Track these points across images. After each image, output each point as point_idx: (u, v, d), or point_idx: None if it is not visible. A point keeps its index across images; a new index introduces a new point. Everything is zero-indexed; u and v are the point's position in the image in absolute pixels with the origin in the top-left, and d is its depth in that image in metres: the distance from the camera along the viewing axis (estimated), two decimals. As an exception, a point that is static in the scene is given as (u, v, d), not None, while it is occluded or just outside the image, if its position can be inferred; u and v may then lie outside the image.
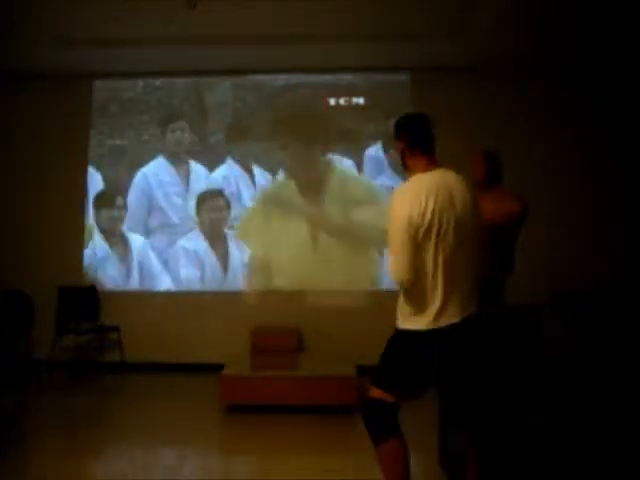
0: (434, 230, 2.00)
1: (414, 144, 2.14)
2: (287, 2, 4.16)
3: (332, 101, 5.56)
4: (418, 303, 2.10)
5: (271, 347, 4.99)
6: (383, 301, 5.25)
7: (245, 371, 4.25)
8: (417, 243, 2.01)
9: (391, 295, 5.90)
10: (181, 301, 5.41)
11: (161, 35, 4.72)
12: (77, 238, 5.51)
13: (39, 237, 5.44)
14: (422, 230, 1.99)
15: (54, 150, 5.53)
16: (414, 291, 2.09)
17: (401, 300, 2.20)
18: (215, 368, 4.33)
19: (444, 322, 2.05)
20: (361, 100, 5.55)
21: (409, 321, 2.14)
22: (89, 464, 3.12)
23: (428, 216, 1.99)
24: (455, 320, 2.05)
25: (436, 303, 2.06)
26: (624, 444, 3.25)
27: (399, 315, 2.21)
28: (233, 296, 5.36)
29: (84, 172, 5.57)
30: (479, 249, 2.18)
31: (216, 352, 4.94)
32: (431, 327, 2.06)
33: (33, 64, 5.22)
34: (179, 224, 5.48)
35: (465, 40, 4.70)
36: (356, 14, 4.37)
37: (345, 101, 5.55)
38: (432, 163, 2.13)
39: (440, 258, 2.03)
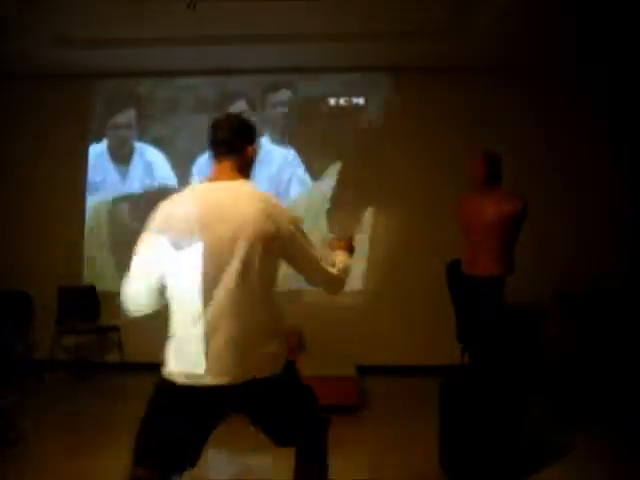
0: (197, 248, 1.67)
1: (209, 146, 1.85)
2: (287, 2, 4.15)
3: (332, 101, 5.55)
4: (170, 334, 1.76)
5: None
6: (383, 301, 5.26)
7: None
8: (154, 270, 1.72)
9: (392, 294, 5.89)
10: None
11: (161, 35, 4.72)
12: (77, 238, 5.51)
13: (39, 237, 5.43)
14: (161, 251, 1.70)
15: (54, 150, 5.52)
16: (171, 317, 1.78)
17: None
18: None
19: (196, 379, 1.65)
20: (361, 100, 5.55)
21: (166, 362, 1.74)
22: (89, 464, 3.12)
23: (183, 231, 1.68)
24: (219, 380, 1.63)
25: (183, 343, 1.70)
26: (623, 443, 3.25)
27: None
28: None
29: (84, 172, 5.57)
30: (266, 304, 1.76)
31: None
32: (183, 382, 1.66)
33: (33, 64, 5.21)
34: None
35: (465, 40, 4.69)
36: (356, 14, 4.36)
37: (345, 101, 5.56)
38: (220, 173, 1.79)
39: (199, 280, 1.67)
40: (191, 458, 1.74)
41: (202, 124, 5.42)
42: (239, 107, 5.50)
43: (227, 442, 3.63)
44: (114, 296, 5.69)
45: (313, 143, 5.51)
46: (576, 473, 2.91)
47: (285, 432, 1.85)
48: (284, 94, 5.58)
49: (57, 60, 5.13)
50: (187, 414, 1.67)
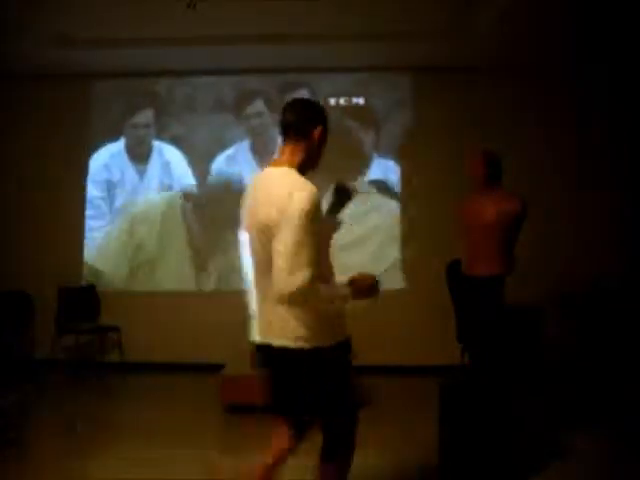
0: (247, 232, 1.93)
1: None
2: (288, 1, 4.15)
3: (332, 101, 5.55)
4: None
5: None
6: (384, 301, 5.25)
7: (245, 371, 4.25)
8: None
9: (392, 294, 5.88)
10: (181, 301, 5.40)
11: (161, 35, 4.72)
12: (77, 238, 5.51)
13: (39, 237, 5.43)
14: (243, 229, 1.98)
15: (54, 150, 5.52)
16: None
17: None
18: (215, 368, 4.33)
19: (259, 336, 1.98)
20: (361, 100, 5.55)
21: None
22: (89, 464, 3.12)
23: (243, 217, 1.94)
24: (263, 338, 1.95)
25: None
26: (623, 443, 3.25)
27: None
28: (233, 295, 5.34)
29: (84, 172, 5.57)
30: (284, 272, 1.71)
31: (216, 352, 4.93)
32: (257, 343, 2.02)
33: (33, 64, 5.21)
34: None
35: (465, 40, 4.69)
36: (356, 14, 4.36)
37: (345, 101, 5.55)
38: (279, 158, 1.88)
39: (252, 262, 1.94)
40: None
41: (220, 123, 5.58)
42: (257, 107, 5.51)
43: (228, 442, 3.64)
44: (114, 296, 5.72)
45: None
46: (576, 473, 2.91)
47: (305, 406, 1.96)
48: (303, 94, 5.56)
49: (57, 60, 5.13)
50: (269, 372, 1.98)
